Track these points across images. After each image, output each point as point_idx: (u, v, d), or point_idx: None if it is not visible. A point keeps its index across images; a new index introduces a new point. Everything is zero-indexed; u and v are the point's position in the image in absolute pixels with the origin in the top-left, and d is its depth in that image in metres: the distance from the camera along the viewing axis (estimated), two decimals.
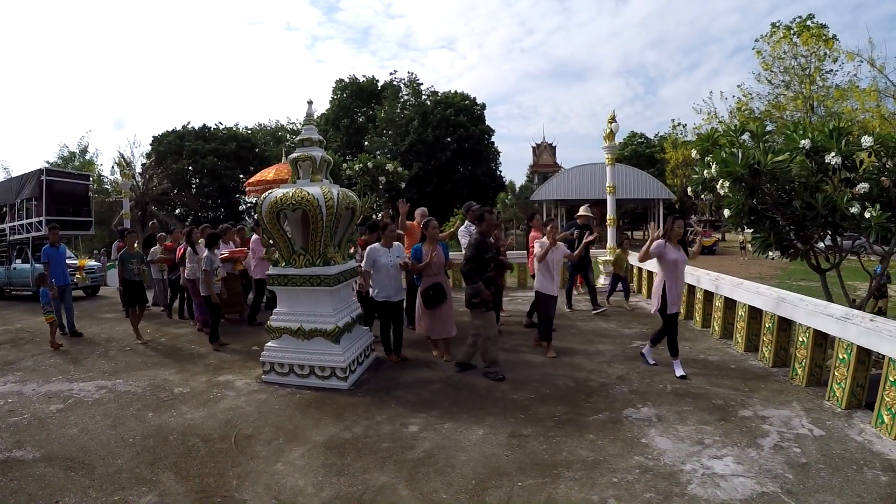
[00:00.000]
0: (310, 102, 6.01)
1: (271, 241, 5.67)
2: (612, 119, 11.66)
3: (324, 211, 5.12)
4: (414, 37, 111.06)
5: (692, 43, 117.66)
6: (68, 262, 9.36)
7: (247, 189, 12.58)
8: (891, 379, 4.09)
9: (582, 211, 9.14)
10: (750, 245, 6.81)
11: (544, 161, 50.12)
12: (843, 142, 5.47)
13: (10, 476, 3.55)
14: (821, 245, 6.30)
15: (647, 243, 5.42)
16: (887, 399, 4.12)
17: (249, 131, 48.96)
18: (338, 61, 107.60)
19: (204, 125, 42.79)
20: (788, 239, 6.21)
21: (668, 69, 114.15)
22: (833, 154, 5.42)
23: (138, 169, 30.05)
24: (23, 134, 68.71)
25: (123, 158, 28.65)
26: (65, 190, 13.66)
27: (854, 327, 4.52)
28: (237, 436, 4.16)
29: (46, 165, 30.70)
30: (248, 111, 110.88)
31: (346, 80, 46.42)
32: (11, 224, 13.54)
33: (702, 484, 3.39)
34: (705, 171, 6.23)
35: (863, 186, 5.29)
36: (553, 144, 50.32)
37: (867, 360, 4.50)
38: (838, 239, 6.15)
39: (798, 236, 6.06)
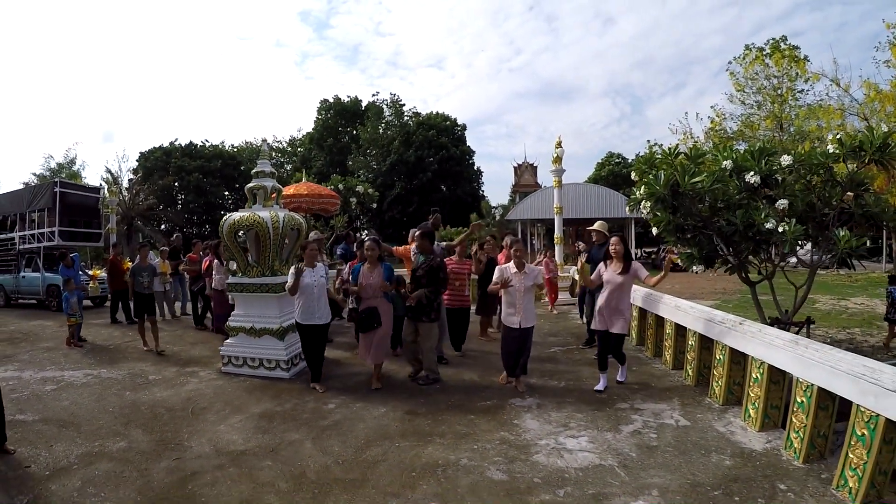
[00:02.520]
0: (264, 140, 7.31)
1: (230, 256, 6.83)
2: (559, 144, 12.53)
3: (271, 231, 6.34)
4: (403, 55, 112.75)
5: (678, 63, 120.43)
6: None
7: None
8: (753, 376, 4.50)
9: (597, 226, 7.52)
10: (680, 261, 7.00)
11: (525, 181, 51.26)
12: (764, 161, 5.67)
13: (16, 430, 4.68)
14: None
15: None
16: (751, 395, 4.50)
17: (235, 149, 49.83)
18: (327, 78, 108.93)
19: (190, 142, 43.58)
20: (717, 254, 6.43)
21: (655, 89, 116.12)
22: (752, 173, 5.60)
23: (125, 184, 30.97)
24: (8, 145, 69.12)
25: (111, 175, 29.67)
26: (77, 202, 14.18)
27: (727, 331, 4.98)
28: (194, 408, 5.33)
29: (33, 178, 31.34)
30: (237, 127, 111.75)
31: (331, 101, 47.72)
32: (21, 233, 13.88)
33: (547, 455, 4.00)
34: (638, 192, 6.50)
35: (782, 203, 5.48)
36: (534, 164, 51.62)
37: (742, 360, 4.86)
38: (770, 253, 6.31)
39: (731, 251, 6.29)
